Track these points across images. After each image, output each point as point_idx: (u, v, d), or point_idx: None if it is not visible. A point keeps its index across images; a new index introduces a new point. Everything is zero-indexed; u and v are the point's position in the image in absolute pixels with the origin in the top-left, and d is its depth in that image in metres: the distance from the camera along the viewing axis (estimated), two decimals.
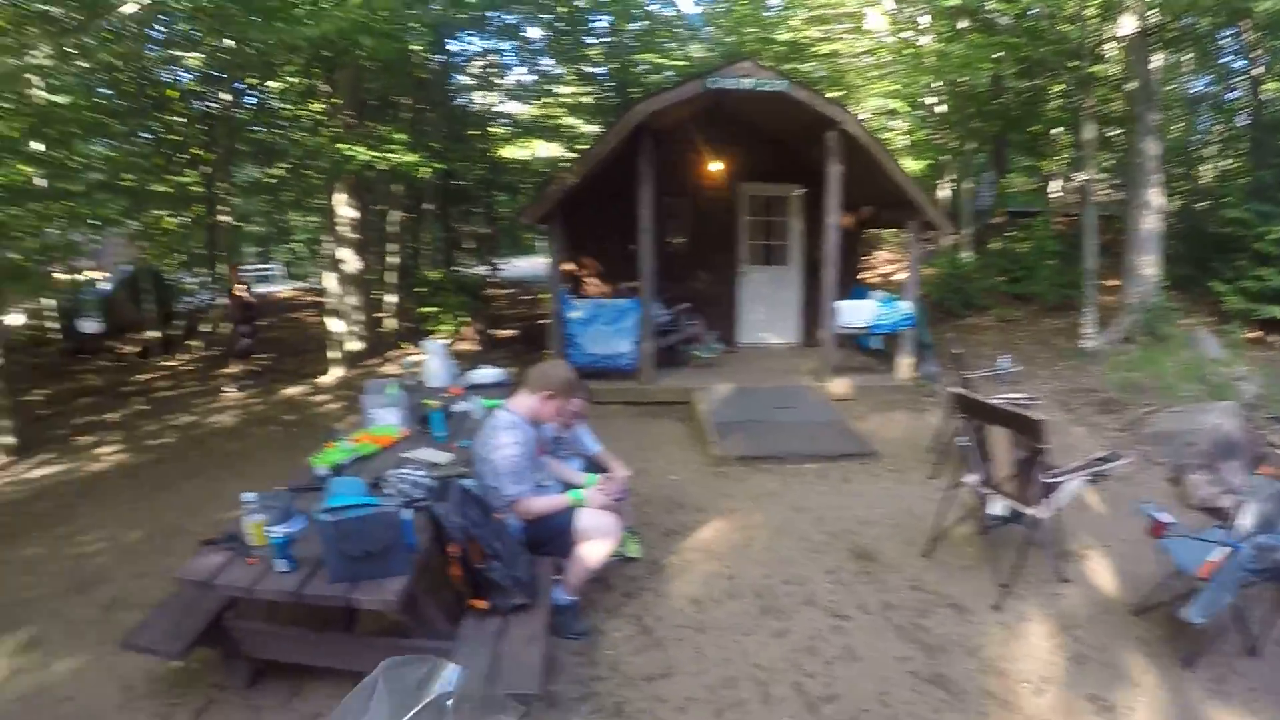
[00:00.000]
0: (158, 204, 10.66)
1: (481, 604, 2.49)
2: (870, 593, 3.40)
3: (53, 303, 11.67)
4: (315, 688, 2.64)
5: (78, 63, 9.33)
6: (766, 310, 8.66)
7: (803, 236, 8.57)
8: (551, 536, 2.85)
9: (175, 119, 10.78)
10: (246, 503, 2.44)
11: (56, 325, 11.65)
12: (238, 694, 2.68)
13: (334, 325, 8.97)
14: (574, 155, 13.60)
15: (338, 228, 8.90)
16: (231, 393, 8.01)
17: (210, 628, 2.56)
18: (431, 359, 4.84)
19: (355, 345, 9.10)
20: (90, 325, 12.65)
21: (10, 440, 6.70)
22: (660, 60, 12.60)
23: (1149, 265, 8.51)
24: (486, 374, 4.92)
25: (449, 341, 10.12)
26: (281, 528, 2.38)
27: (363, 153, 7.62)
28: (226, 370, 8.53)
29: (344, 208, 8.81)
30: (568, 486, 3.15)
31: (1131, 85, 8.59)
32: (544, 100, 12.73)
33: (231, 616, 2.54)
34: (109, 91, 10.06)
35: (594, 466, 3.51)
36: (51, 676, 3.04)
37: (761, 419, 5.79)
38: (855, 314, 6.97)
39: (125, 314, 12.20)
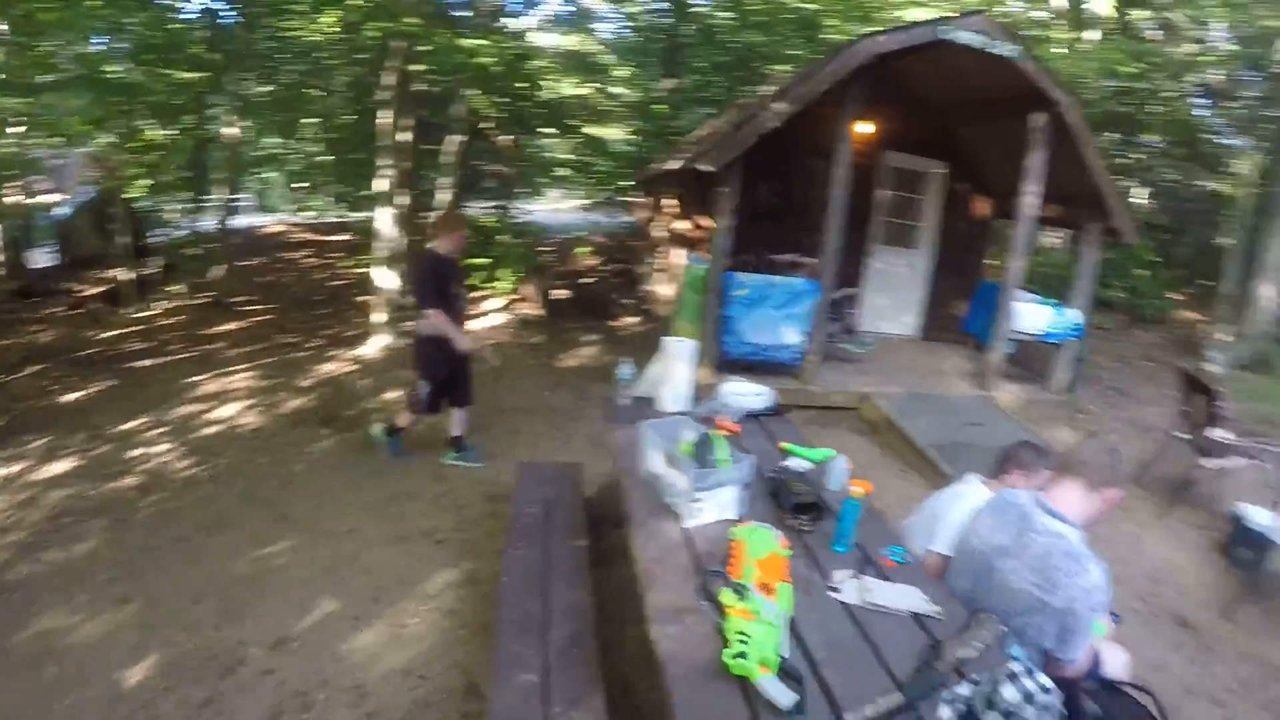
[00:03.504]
0: (141, 111, 8.27)
1: None
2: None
3: None
4: None
5: None
6: (890, 298, 7.93)
7: (938, 219, 7.82)
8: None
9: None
10: None
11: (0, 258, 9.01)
12: None
13: (382, 278, 7.07)
14: (607, 97, 12.21)
15: (395, 155, 7.09)
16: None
17: None
18: (674, 366, 2.89)
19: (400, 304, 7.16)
20: (43, 258, 10.23)
21: None
22: None
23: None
24: (750, 393, 3.02)
25: (506, 303, 8.47)
26: None
27: (446, 39, 6.38)
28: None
29: (401, 132, 7.07)
30: None
31: None
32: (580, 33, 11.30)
33: None
34: None
35: None
36: None
37: (961, 439, 5.15)
38: (1031, 319, 6.35)
39: (88, 246, 10.03)
